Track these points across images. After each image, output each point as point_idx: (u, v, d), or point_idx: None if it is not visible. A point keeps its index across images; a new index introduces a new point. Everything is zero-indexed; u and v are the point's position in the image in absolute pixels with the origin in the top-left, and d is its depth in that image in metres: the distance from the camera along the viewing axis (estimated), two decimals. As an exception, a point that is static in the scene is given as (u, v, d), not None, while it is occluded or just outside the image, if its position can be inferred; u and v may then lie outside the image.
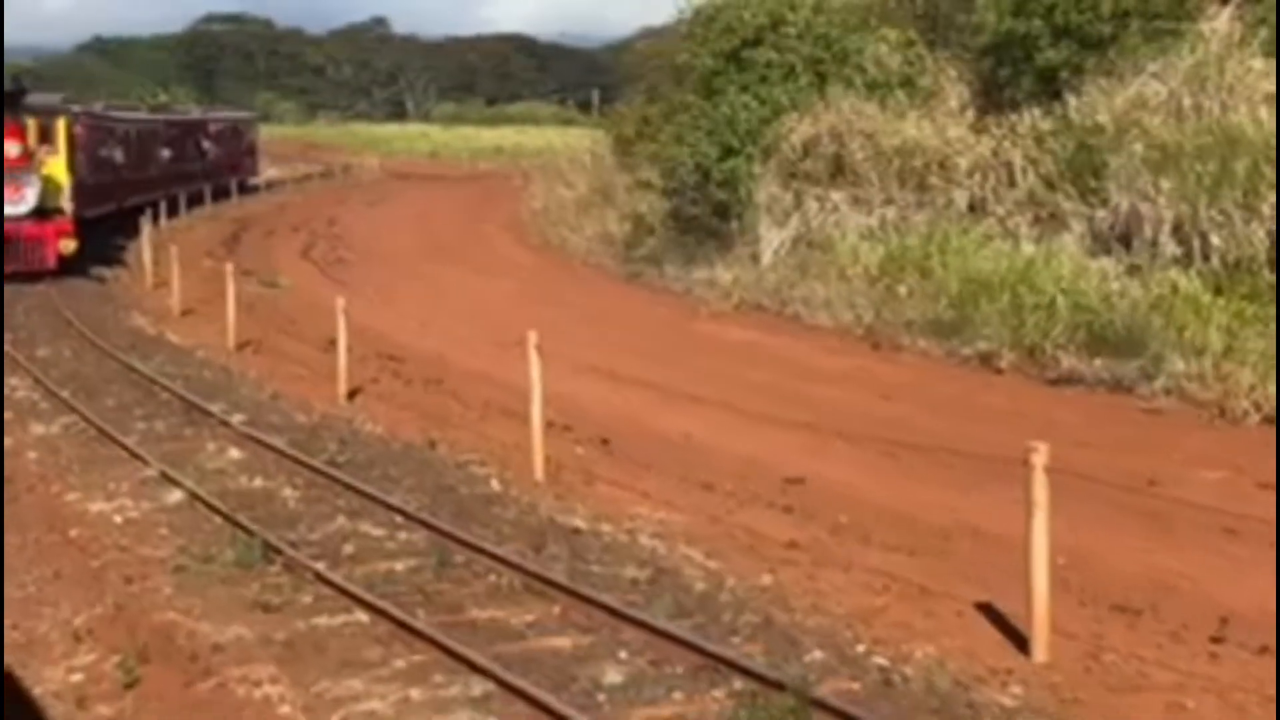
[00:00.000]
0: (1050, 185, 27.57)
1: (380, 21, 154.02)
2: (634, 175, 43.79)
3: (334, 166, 79.08)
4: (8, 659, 10.21)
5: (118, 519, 13.39)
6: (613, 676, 9.23)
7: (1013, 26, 29.16)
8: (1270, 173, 22.19)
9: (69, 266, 34.85)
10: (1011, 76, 29.63)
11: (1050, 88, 29.07)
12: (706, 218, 33.36)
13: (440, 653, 9.55)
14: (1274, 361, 18.13)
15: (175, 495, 14.04)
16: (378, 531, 12.63)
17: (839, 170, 31.58)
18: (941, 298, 24.86)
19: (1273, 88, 24.22)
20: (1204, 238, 23.25)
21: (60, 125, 36.99)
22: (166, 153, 54.79)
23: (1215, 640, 10.23)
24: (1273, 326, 19.19)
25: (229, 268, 25.62)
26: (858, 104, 31.90)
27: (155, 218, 41.41)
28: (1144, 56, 27.50)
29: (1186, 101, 25.99)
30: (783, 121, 32.38)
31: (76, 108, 41.03)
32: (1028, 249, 26.56)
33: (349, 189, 67.84)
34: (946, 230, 27.99)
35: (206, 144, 62.66)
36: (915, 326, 23.85)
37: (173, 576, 11.63)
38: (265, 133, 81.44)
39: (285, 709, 8.99)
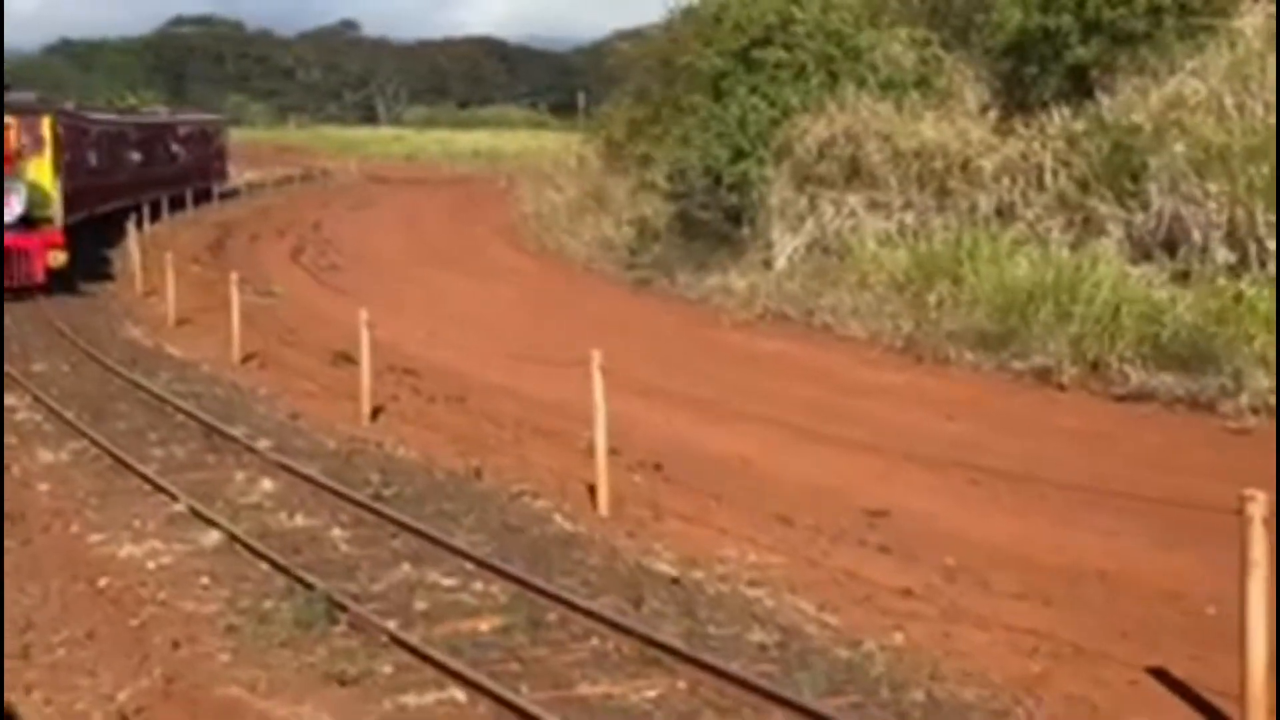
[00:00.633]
0: (1084, 188, 26.19)
1: (350, 24, 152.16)
2: (631, 178, 42.34)
3: (311, 170, 77.14)
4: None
5: (150, 565, 11.80)
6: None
7: (1041, 22, 27.75)
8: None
9: (57, 280, 32.02)
10: (1038, 75, 28.23)
11: (1080, 86, 27.70)
12: (716, 222, 31.89)
13: (560, 743, 8.05)
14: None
15: (211, 536, 12.46)
16: (448, 581, 11.08)
17: (855, 173, 30.17)
18: (981, 307, 23.45)
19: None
20: (1260, 243, 21.89)
21: (45, 125, 33.62)
22: (136, 156, 52.20)
23: None
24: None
25: (233, 277, 23.93)
26: (874, 104, 30.51)
27: (139, 223, 39.68)
28: (1180, 54, 26.17)
29: (1229, 100, 24.57)
30: (795, 123, 30.97)
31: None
32: (1060, 255, 25.21)
33: (330, 192, 66.02)
34: (974, 236, 26.58)
35: (176, 147, 59.66)
36: (959, 338, 22.40)
37: (226, 639, 10.07)
38: (235, 136, 79.29)
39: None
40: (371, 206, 57.42)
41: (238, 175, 70.85)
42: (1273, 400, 17.26)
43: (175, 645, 9.99)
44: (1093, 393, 19.08)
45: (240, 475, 14.77)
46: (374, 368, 22.36)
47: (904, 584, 11.52)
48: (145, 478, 14.65)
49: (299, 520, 12.97)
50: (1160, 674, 9.42)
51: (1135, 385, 18.80)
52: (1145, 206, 24.53)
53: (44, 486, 14.69)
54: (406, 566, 11.47)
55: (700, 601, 10.65)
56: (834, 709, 8.32)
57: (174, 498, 13.74)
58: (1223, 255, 22.33)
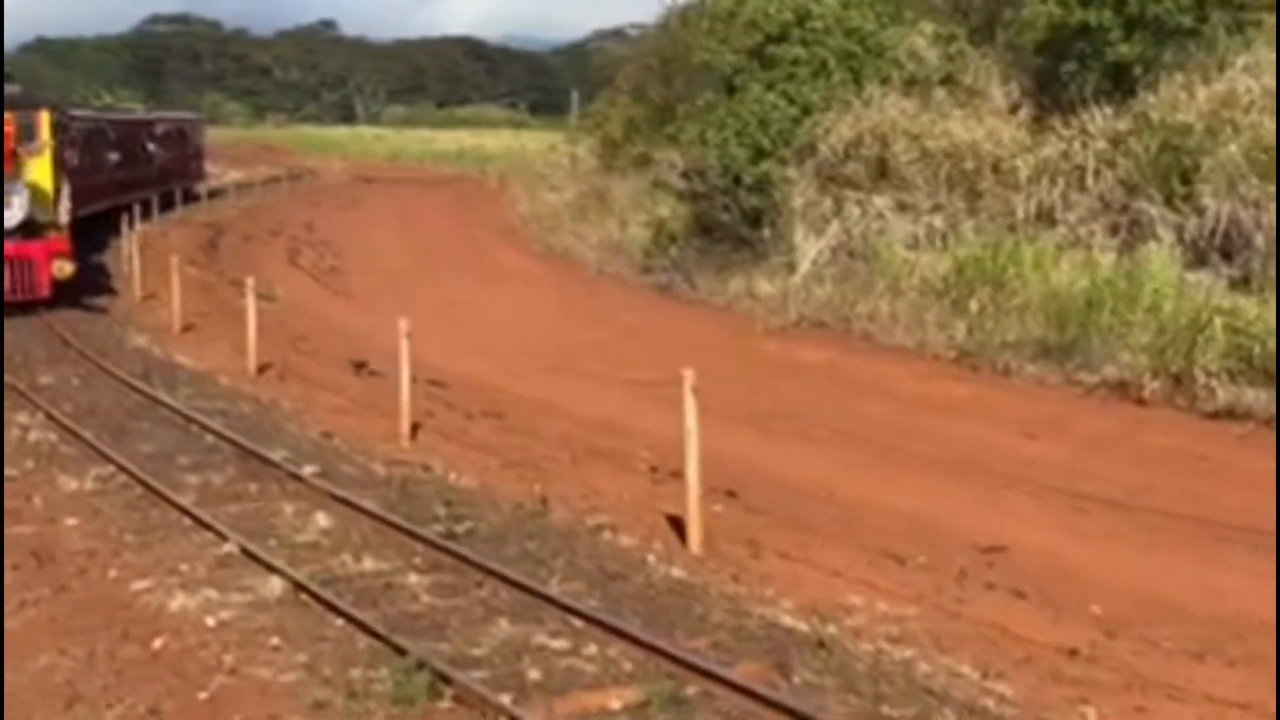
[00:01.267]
0: (1130, 190, 24.81)
1: (328, 24, 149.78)
2: (633, 179, 40.88)
3: (294, 169, 75.22)
4: None
5: (209, 621, 10.20)
6: None
7: (1082, 18, 26.30)
8: None
9: (63, 294, 28.29)
10: (1077, 72, 26.77)
11: (1121, 84, 26.29)
12: (735, 224, 30.40)
13: None
14: None
15: (271, 584, 10.87)
16: (558, 643, 9.53)
17: (882, 174, 28.73)
18: (1034, 315, 22.05)
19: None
20: (1328, 247, 20.54)
21: (43, 120, 29.89)
22: (114, 156, 49.72)
23: None
24: None
25: (249, 283, 22.28)
26: (902, 103, 29.06)
27: (131, 223, 37.95)
28: (1229, 50, 24.81)
29: (1286, 98, 23.20)
30: (817, 121, 29.51)
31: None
32: (1107, 259, 23.85)
33: (317, 192, 64.14)
34: (1009, 239, 25.17)
35: (153, 146, 56.59)
36: (1016, 348, 20.96)
37: (315, 718, 8.51)
38: (213, 134, 76.95)
39: None
40: (362, 207, 55.71)
41: (221, 175, 68.82)
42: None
43: (257, 728, 8.44)
44: (1179, 409, 17.66)
45: (289, 508, 13.17)
46: (396, 378, 20.93)
47: (1062, 641, 10.06)
48: (184, 510, 13.05)
49: (368, 564, 11.39)
50: None
51: (1225, 402, 17.35)
52: (1199, 209, 23.17)
53: (72, 521, 13.06)
54: (504, 623, 9.91)
55: (857, 671, 9.13)
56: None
57: (221, 535, 12.14)
58: (1287, 260, 20.98)
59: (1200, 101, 24.23)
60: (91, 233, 37.83)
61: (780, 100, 30.18)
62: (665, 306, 28.38)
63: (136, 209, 41.63)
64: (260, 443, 15.86)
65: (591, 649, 9.40)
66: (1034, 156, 26.60)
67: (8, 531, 12.73)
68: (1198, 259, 22.91)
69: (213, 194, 59.76)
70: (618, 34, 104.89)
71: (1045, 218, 25.84)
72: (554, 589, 10.53)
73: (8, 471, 14.92)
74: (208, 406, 18.16)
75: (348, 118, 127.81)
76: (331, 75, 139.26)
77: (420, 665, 8.93)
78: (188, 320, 26.67)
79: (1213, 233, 22.76)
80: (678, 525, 13.20)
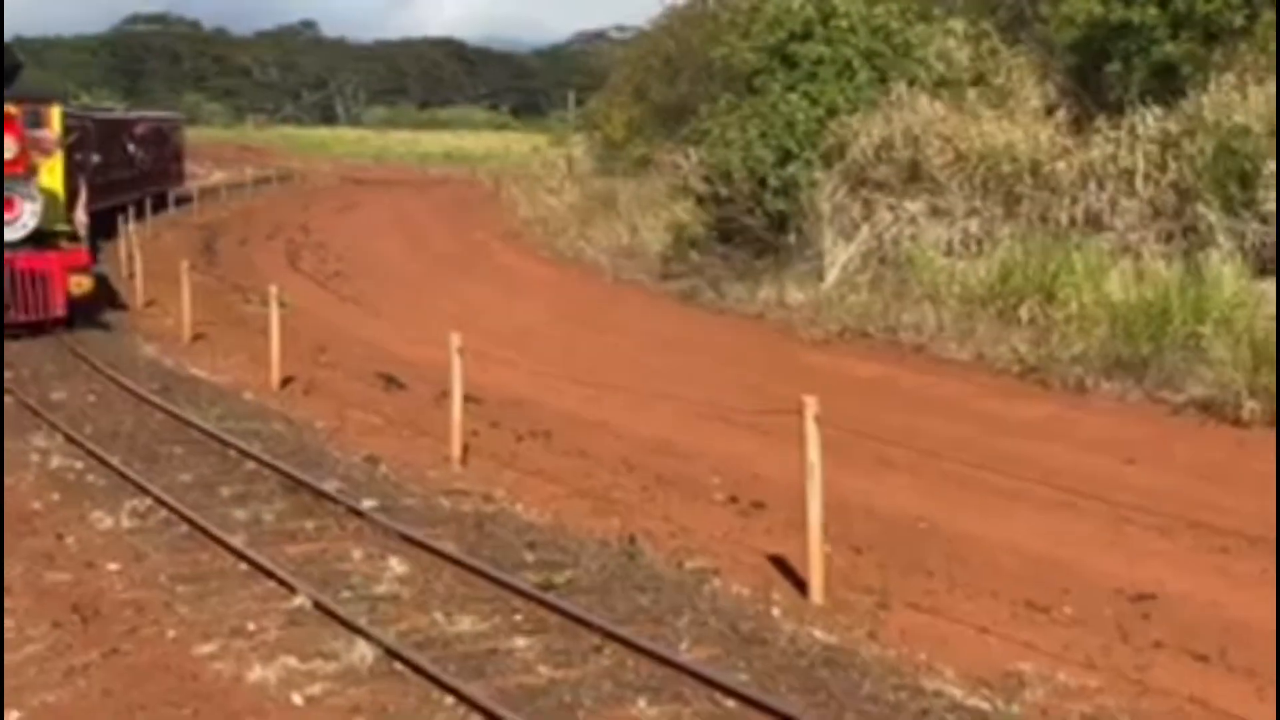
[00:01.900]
0: (1183, 195, 23.42)
1: (309, 24, 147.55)
2: (647, 181, 39.33)
3: (282, 171, 73.37)
4: None
5: (297, 699, 8.63)
6: None
7: (1124, 16, 24.90)
8: None
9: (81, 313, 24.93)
10: (1122, 73, 25.36)
11: (1167, 85, 24.90)
12: (759, 229, 28.90)
13: None
14: None
15: (358, 649, 9.29)
16: (716, 730, 8.00)
17: (915, 177, 27.28)
18: (1095, 327, 20.60)
19: None
20: None
21: (54, 117, 26.28)
22: (96, 158, 47.28)
23: None
24: None
25: (272, 291, 20.72)
26: (932, 104, 27.61)
27: (126, 225, 36.33)
28: (1283, 49, 23.47)
29: (1349, 100, 21.86)
30: (844, 123, 28.04)
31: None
32: (1158, 267, 22.46)
33: (307, 194, 62.31)
34: (1056, 246, 23.73)
35: (133, 147, 53.79)
36: (1086, 362, 19.48)
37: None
38: (193, 135, 74.44)
39: None
40: (357, 209, 53.99)
41: (207, 176, 66.90)
42: None
43: None
44: (1282, 430, 16.17)
45: (356, 551, 11.59)
46: (424, 393, 19.51)
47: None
48: (238, 553, 11.46)
49: (464, 623, 9.81)
50: None
51: (1335, 424, 15.91)
52: (1261, 215, 21.81)
53: (113, 566, 11.46)
54: (644, 704, 8.38)
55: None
56: None
57: (287, 586, 10.57)
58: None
59: (1255, 103, 22.89)
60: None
61: (803, 101, 28.71)
62: (691, 315, 26.83)
63: (131, 210, 40.03)
64: (306, 470, 14.29)
65: (755, 738, 7.86)
66: (1078, 159, 25.21)
67: (43, 579, 11.18)
68: (1259, 267, 21.56)
69: (203, 193, 57.81)
70: (601, 36, 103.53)
71: (1092, 223, 24.45)
72: (688, 656, 9.01)
73: (33, 505, 13.36)
74: (239, 427, 16.55)
75: (328, 119, 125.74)
76: (312, 76, 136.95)
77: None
78: (197, 328, 25.06)
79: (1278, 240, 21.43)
80: (781, 565, 11.78)
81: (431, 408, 19.09)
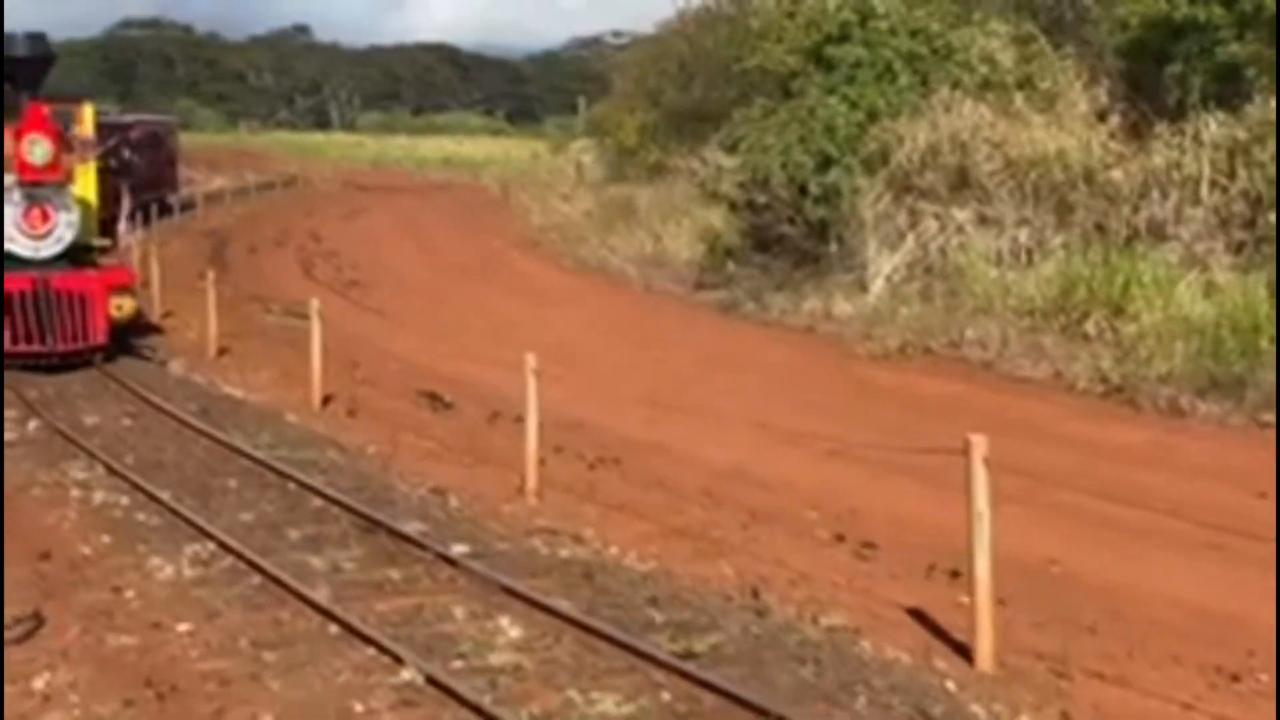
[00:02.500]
0: (1254, 204, 22.09)
1: (302, 29, 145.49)
2: (664, 188, 37.97)
3: (283, 176, 71.77)
4: None
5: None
6: None
7: (1189, 13, 23.55)
8: None
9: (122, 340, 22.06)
10: (1182, 75, 24.01)
11: (1230, 88, 23.56)
12: (800, 238, 27.53)
13: None
14: None
15: (491, 740, 7.87)
16: None
17: (962, 184, 25.91)
18: (1172, 343, 19.26)
19: None
20: None
21: (86, 116, 23.19)
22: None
23: None
24: None
25: (313, 304, 19.29)
26: (980, 109, 26.26)
27: (131, 231, 34.82)
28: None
29: None
30: (886, 128, 26.69)
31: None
32: (1227, 279, 21.19)
33: (312, 200, 60.62)
34: (1119, 258, 22.41)
35: (127, 153, 51.11)
36: (1176, 382, 18.13)
37: None
38: (188, 141, 72.41)
39: None
40: (364, 215, 52.43)
41: (206, 181, 65.28)
42: None
43: None
44: None
45: (457, 608, 10.14)
46: (475, 413, 18.13)
47: None
48: (325, 612, 10.00)
49: (606, 704, 8.37)
50: None
51: None
52: (1339, 227, 20.53)
53: (183, 626, 9.98)
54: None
55: None
56: None
57: (389, 654, 9.13)
58: None
59: (1330, 107, 21.62)
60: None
61: (842, 104, 27.37)
62: (735, 328, 25.42)
63: (139, 216, 38.57)
64: (376, 508, 12.86)
65: None
66: (1137, 166, 23.88)
67: (105, 644, 9.73)
68: (1346, 280, 20.27)
69: (206, 199, 56.23)
70: (597, 41, 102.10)
71: (1155, 234, 23.12)
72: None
73: (82, 550, 11.90)
74: (293, 456, 15.09)
75: (322, 124, 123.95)
76: (306, 81, 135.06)
77: None
78: (222, 342, 23.57)
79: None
80: (923, 619, 10.42)
81: (486, 430, 17.77)
